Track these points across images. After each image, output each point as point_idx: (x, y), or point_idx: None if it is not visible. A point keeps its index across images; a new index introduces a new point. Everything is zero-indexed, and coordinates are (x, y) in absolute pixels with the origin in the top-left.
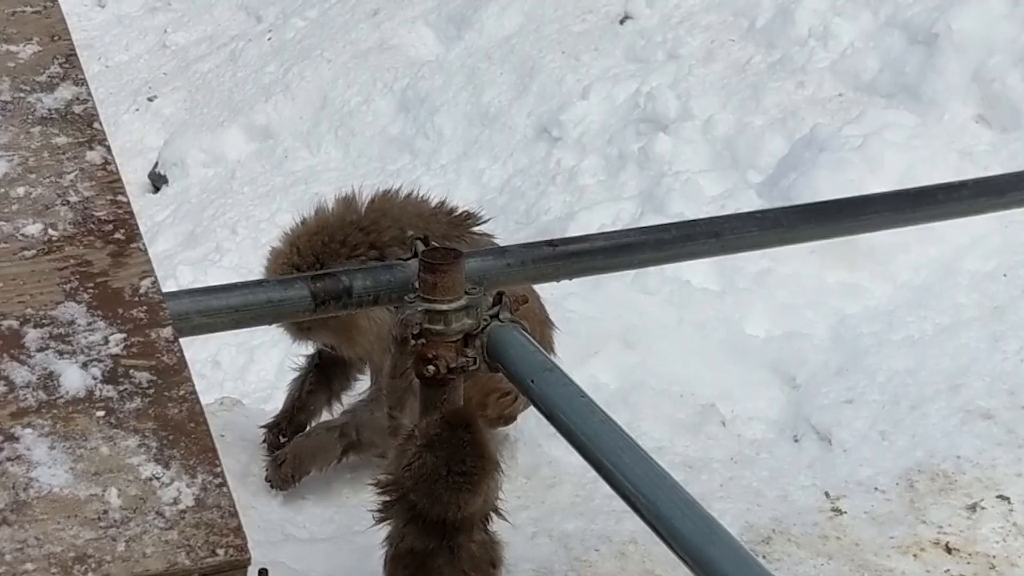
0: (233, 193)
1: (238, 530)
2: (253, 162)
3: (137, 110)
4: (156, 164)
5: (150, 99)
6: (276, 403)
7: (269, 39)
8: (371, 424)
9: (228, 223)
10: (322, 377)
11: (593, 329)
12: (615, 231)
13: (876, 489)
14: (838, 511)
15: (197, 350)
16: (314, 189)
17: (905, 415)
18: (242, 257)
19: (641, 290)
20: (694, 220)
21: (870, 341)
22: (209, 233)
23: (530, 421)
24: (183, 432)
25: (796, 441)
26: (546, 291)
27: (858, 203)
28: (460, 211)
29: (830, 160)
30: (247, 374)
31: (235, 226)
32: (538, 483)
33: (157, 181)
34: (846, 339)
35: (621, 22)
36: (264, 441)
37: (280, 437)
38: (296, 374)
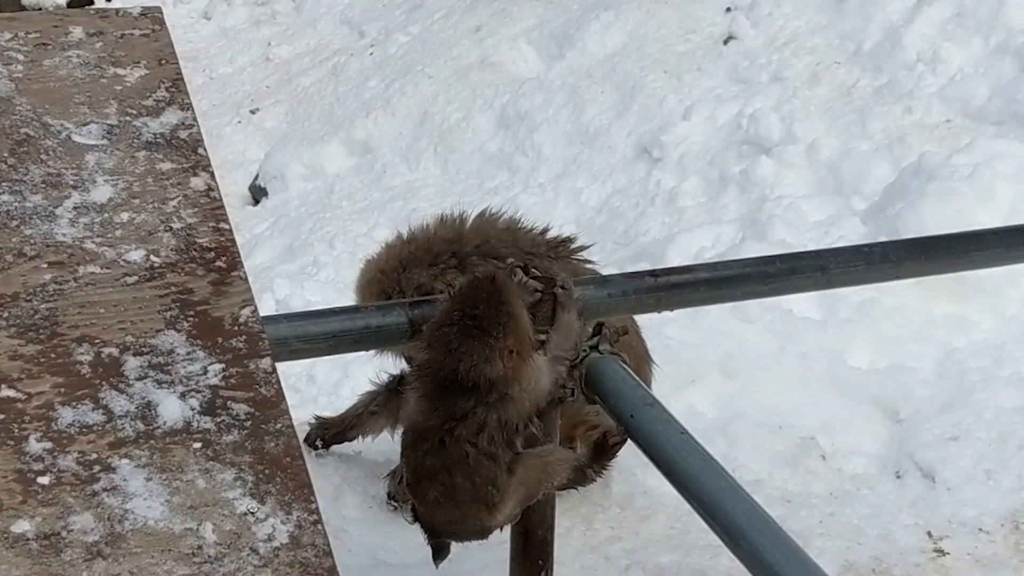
0: (332, 207)
1: (332, 570)
2: (352, 176)
3: (239, 122)
4: (257, 177)
5: (252, 112)
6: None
7: (371, 54)
8: None
9: (326, 237)
10: (391, 403)
11: (692, 357)
12: (718, 262)
13: (980, 530)
14: (941, 552)
15: (292, 364)
16: (412, 205)
17: (1012, 454)
18: (339, 271)
19: (741, 318)
20: (799, 253)
21: (977, 376)
22: (307, 247)
23: (624, 449)
24: (279, 467)
25: (899, 478)
26: (644, 318)
27: (968, 239)
28: (561, 237)
29: (938, 189)
30: (341, 389)
31: (333, 240)
32: (632, 514)
33: (257, 194)
34: (952, 374)
35: (725, 42)
36: (308, 434)
37: (319, 441)
38: (373, 388)
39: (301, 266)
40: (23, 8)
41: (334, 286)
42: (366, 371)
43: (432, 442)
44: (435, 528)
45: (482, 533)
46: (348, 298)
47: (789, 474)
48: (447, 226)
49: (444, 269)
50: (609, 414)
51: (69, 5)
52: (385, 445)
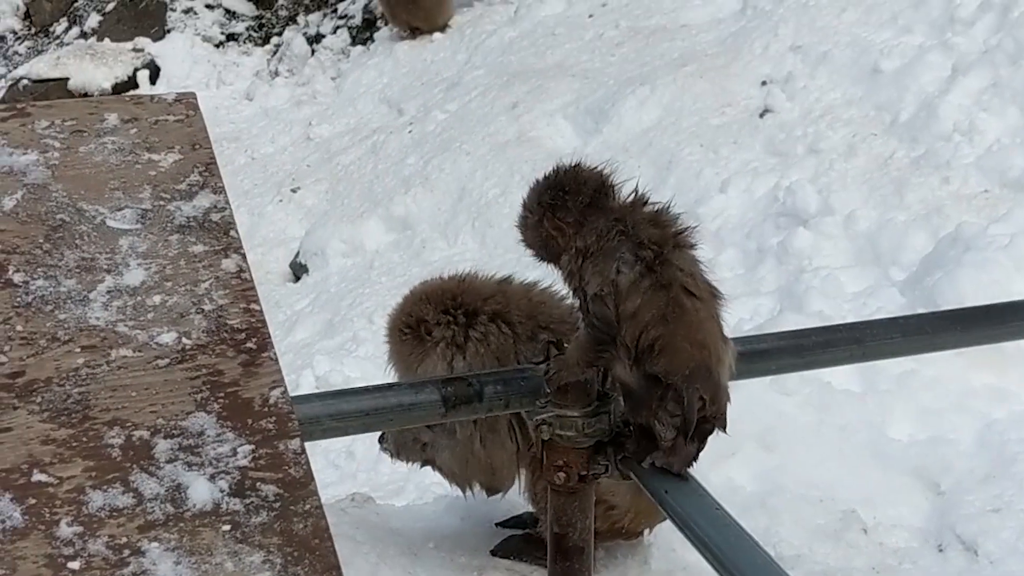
0: (371, 283)
1: None
2: (391, 252)
3: (281, 201)
4: (297, 254)
5: (293, 190)
6: (409, 497)
7: (410, 132)
8: None
9: (365, 312)
10: None
11: (730, 430)
12: (753, 336)
13: None
14: None
15: (332, 440)
16: None
17: None
18: (378, 347)
19: (780, 391)
20: (835, 325)
21: (1018, 447)
22: (347, 322)
23: (664, 523)
24: (308, 548)
25: (941, 551)
26: None
27: (1004, 310)
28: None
29: (976, 259)
30: (380, 465)
31: (372, 315)
32: None
33: (298, 270)
34: (993, 445)
35: (761, 115)
36: None
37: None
38: None
39: (341, 342)
40: (70, 94)
41: (373, 361)
42: None
43: None
44: None
45: None
46: (388, 374)
47: (830, 548)
48: (480, 281)
49: (451, 323)
50: (644, 489)
51: (114, 90)
52: (422, 522)
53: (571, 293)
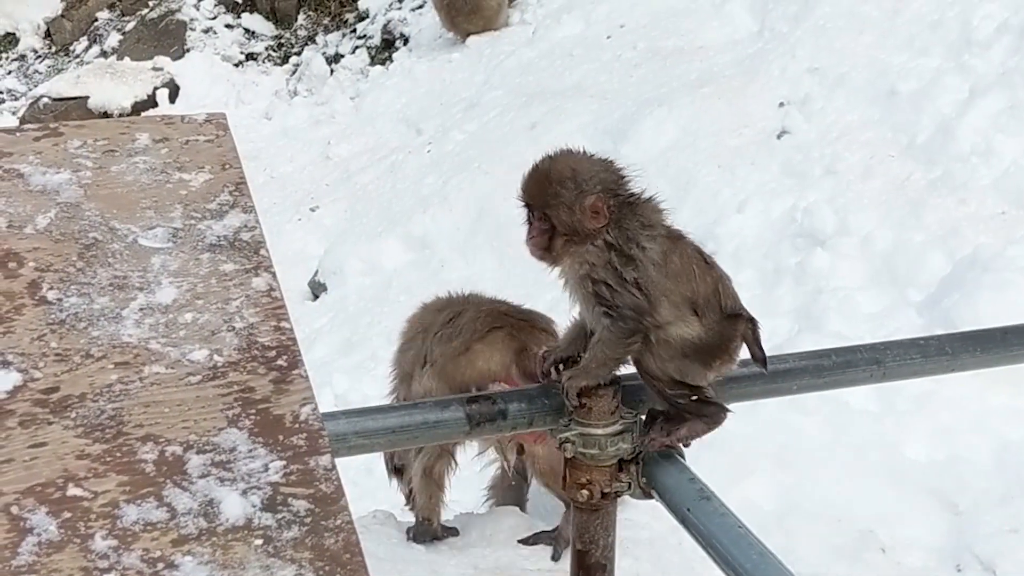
0: (389, 302)
1: None
2: (410, 271)
3: (299, 219)
4: (316, 272)
5: (312, 209)
6: None
7: (429, 151)
8: None
9: (384, 331)
10: None
11: (748, 449)
12: (773, 356)
13: None
14: None
15: (352, 457)
16: None
17: None
18: None
19: (798, 410)
20: (855, 346)
21: None
22: (365, 341)
23: (686, 542)
24: (339, 563)
25: (959, 571)
26: None
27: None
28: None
29: (994, 281)
30: (396, 483)
31: (390, 334)
32: None
33: (317, 289)
34: (1010, 465)
35: (778, 136)
36: None
37: None
38: None
39: (359, 360)
40: (90, 112)
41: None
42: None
43: None
44: None
45: None
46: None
47: (848, 567)
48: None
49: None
50: (666, 508)
51: (133, 109)
52: (445, 544)
53: (584, 291)
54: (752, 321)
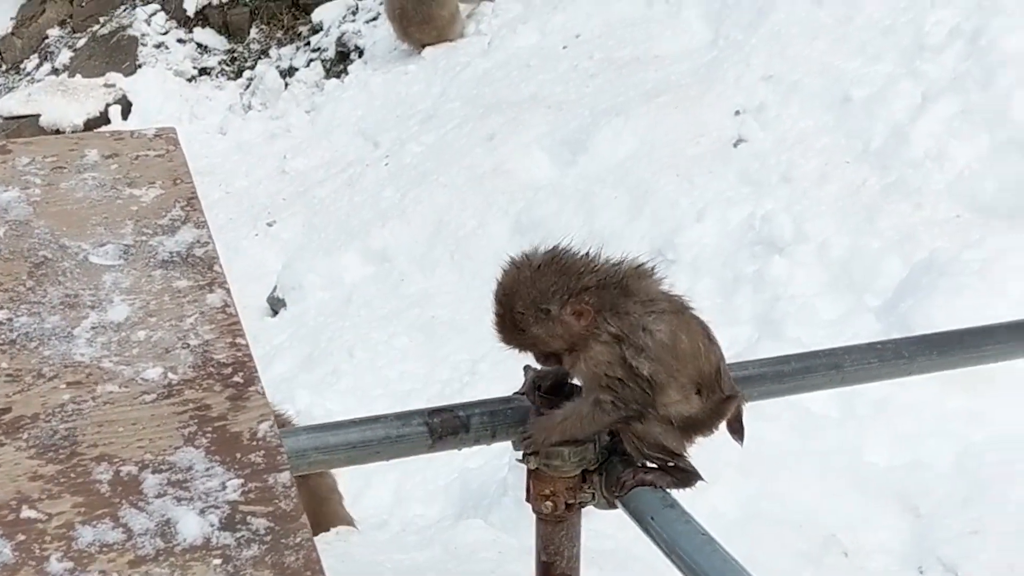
0: (350, 316)
1: None
2: (369, 285)
3: (257, 235)
4: (275, 288)
5: (269, 224)
6: (392, 530)
7: (386, 164)
8: None
9: (345, 346)
10: None
11: (710, 456)
12: (734, 363)
13: None
14: None
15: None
16: (430, 312)
17: None
18: (358, 380)
19: (760, 417)
20: (813, 352)
21: (995, 469)
22: (326, 356)
23: (651, 552)
24: None
25: (921, 573)
26: None
27: (980, 333)
28: None
29: (950, 285)
30: (363, 499)
31: (352, 349)
32: None
33: (275, 305)
34: (970, 467)
35: (735, 145)
36: None
37: None
38: None
39: (321, 375)
40: (42, 130)
41: (354, 394)
42: (388, 481)
43: None
44: None
45: None
46: (368, 406)
47: (812, 572)
48: None
49: None
50: (630, 517)
51: (85, 127)
52: (405, 554)
53: (594, 383)
54: (741, 399)
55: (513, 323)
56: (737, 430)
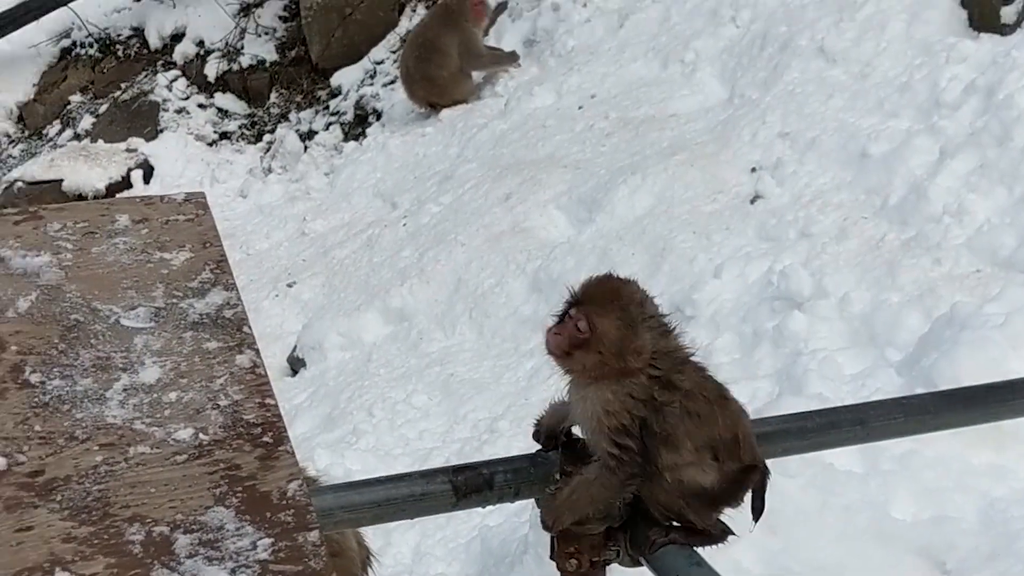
0: (369, 375)
1: None
2: (389, 344)
3: (277, 296)
4: (295, 348)
5: (289, 285)
6: None
7: (404, 225)
8: None
9: (364, 405)
10: None
11: (735, 513)
12: (756, 419)
13: None
14: None
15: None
16: (449, 370)
17: None
18: (379, 439)
19: (783, 473)
20: (837, 407)
21: (1021, 524)
22: (346, 415)
23: None
24: None
25: None
26: None
27: (1006, 388)
28: None
29: (972, 339)
30: (384, 556)
31: (371, 408)
32: None
33: (296, 365)
34: (996, 522)
35: (752, 201)
36: None
37: None
38: None
39: (341, 435)
40: (64, 195)
41: (374, 453)
42: (408, 539)
43: None
44: None
45: None
46: (389, 465)
47: None
48: None
49: None
50: (655, 575)
51: (108, 191)
52: None
53: (601, 425)
54: (765, 471)
55: (614, 295)
56: (756, 507)
